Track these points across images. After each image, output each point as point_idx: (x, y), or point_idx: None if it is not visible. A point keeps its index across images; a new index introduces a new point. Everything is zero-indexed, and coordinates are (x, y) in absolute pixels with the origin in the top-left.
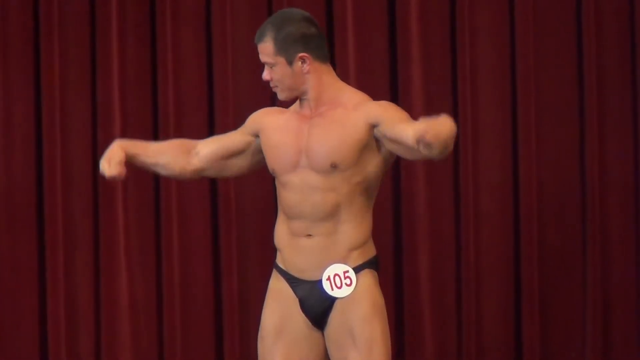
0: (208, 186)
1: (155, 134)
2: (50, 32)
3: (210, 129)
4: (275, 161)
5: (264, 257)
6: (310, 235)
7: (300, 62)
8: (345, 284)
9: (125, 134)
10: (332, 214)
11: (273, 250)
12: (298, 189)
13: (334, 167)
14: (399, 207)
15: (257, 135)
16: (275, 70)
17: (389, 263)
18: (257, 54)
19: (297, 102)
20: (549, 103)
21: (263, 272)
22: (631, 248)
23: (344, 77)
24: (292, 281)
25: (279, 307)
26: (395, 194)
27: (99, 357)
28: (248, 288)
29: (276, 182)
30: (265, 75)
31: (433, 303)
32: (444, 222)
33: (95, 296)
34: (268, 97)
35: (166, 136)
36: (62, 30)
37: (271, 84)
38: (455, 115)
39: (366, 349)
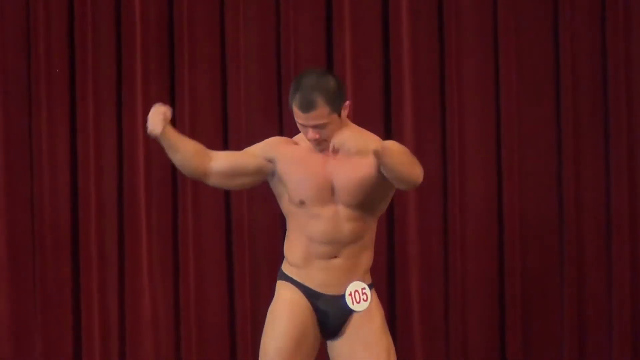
0: (223, 209)
1: (174, 168)
2: (85, 78)
3: None
4: (304, 194)
5: (274, 276)
6: (337, 257)
7: (344, 110)
8: (363, 299)
9: (148, 169)
10: (358, 240)
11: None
12: (330, 221)
13: (363, 202)
14: (392, 231)
15: (270, 161)
16: (328, 127)
17: (382, 282)
18: (266, 92)
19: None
20: (530, 137)
21: (274, 289)
22: (603, 267)
23: None
24: (311, 294)
25: (297, 318)
26: (389, 219)
27: None
28: (259, 306)
29: (298, 210)
30: (314, 135)
31: (422, 318)
32: (433, 245)
33: (120, 311)
34: (277, 134)
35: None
36: (95, 76)
37: (316, 141)
38: (443, 150)
39: (385, 356)
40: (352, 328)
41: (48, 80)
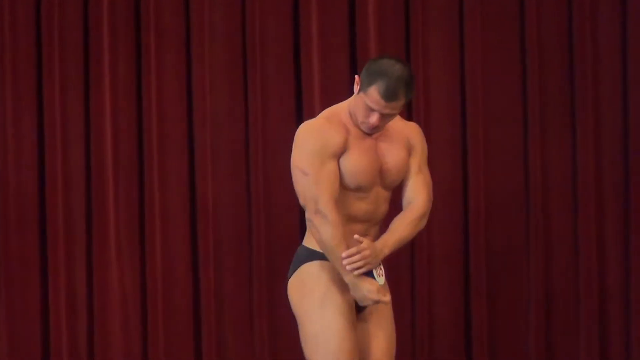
0: (187, 189)
1: (140, 143)
2: (51, 54)
3: (189, 140)
4: (363, 180)
5: (238, 252)
6: (367, 235)
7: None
8: (382, 274)
9: (115, 143)
10: (383, 220)
11: (247, 245)
12: (373, 202)
13: (397, 184)
14: None
15: (340, 155)
16: (392, 116)
17: None
18: (232, 70)
19: (341, 112)
20: (496, 114)
21: (236, 264)
22: (569, 246)
23: (308, 97)
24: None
25: (346, 294)
26: None
27: (92, 341)
28: (223, 281)
29: (346, 192)
30: (377, 121)
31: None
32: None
33: (88, 287)
34: (242, 113)
35: (150, 144)
36: (61, 52)
37: (374, 127)
38: None
39: (392, 326)
40: (374, 306)
41: (14, 55)
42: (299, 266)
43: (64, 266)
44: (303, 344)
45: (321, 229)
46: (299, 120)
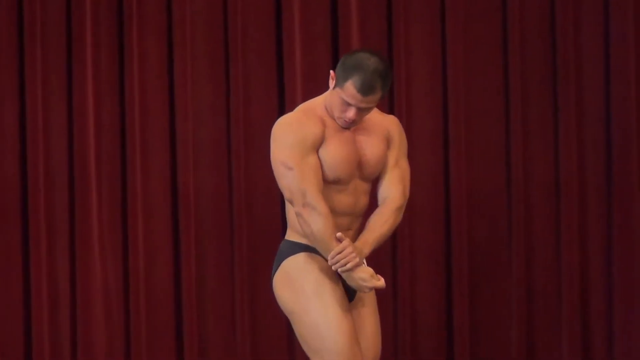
0: (170, 182)
1: (123, 136)
2: (33, 45)
3: (171, 132)
4: (341, 172)
5: (220, 244)
6: (350, 229)
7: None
8: (366, 265)
9: (98, 136)
10: (364, 213)
11: (228, 238)
12: (352, 194)
13: (375, 176)
14: None
15: (318, 146)
16: (369, 110)
17: None
18: (214, 63)
19: (317, 106)
20: (478, 109)
21: (218, 257)
22: (552, 241)
23: (290, 86)
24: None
25: (338, 282)
26: None
27: (75, 330)
28: (205, 273)
29: (325, 185)
30: (353, 115)
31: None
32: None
33: (71, 279)
34: (224, 105)
35: (132, 137)
36: (43, 46)
37: (350, 122)
38: None
39: (377, 312)
40: (365, 295)
41: None
42: (282, 262)
43: (46, 260)
44: (301, 338)
45: (311, 222)
46: (281, 112)
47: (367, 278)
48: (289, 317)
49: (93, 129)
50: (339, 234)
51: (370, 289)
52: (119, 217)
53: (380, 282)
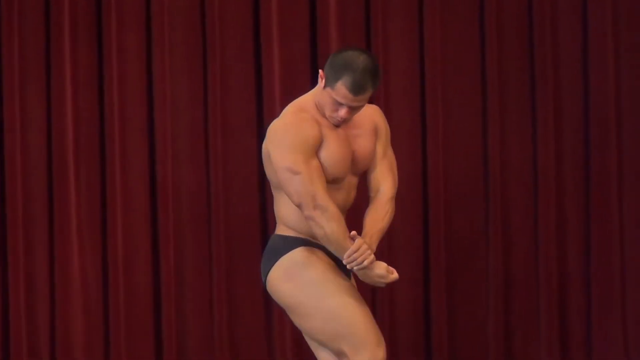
0: (148, 173)
1: (102, 127)
2: (10, 37)
3: (149, 124)
4: (339, 171)
5: (199, 236)
6: None
7: None
8: None
9: (76, 127)
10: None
11: (206, 230)
12: (345, 190)
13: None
14: None
15: (318, 148)
16: (360, 107)
17: None
18: (192, 54)
19: (307, 104)
20: (455, 104)
21: (196, 248)
22: (528, 232)
23: (268, 80)
24: (327, 252)
25: (338, 270)
26: None
27: (53, 324)
28: (183, 263)
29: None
30: (346, 114)
31: None
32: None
33: (50, 271)
34: (202, 97)
35: (111, 129)
36: (21, 37)
37: (342, 119)
38: None
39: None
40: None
41: None
42: (279, 258)
43: (23, 252)
44: (313, 329)
45: (324, 224)
46: (259, 104)
47: (385, 274)
48: (293, 312)
49: (71, 122)
50: (352, 233)
51: (386, 284)
52: (97, 210)
53: (394, 274)
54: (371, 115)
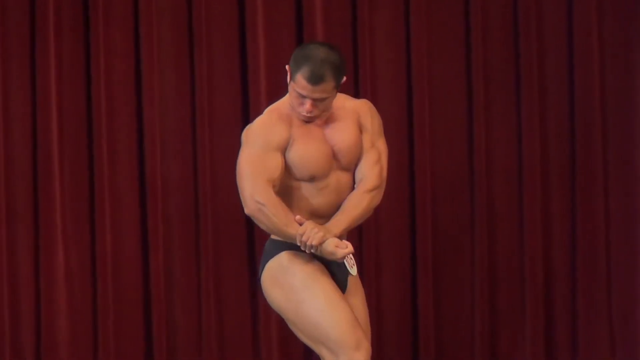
0: (137, 168)
1: (90, 124)
2: None
3: (138, 120)
4: (314, 169)
5: (187, 233)
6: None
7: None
8: (354, 264)
9: (62, 123)
10: None
11: (194, 225)
12: (334, 190)
13: (355, 164)
14: None
15: (285, 148)
16: (326, 101)
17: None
18: (179, 48)
19: (283, 105)
20: (441, 96)
21: (185, 243)
22: (514, 225)
23: (254, 75)
24: (315, 255)
25: (314, 266)
26: None
27: (38, 321)
28: (171, 258)
29: (304, 185)
30: (310, 107)
31: None
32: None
33: (35, 268)
34: (189, 91)
35: (99, 126)
36: (6, 29)
37: (310, 114)
38: None
39: (364, 296)
40: (353, 287)
41: None
42: (267, 262)
43: (6, 247)
44: (302, 334)
45: (263, 218)
46: (245, 99)
47: (333, 250)
48: (283, 316)
49: (56, 115)
50: (297, 217)
51: (342, 258)
52: (85, 206)
53: (348, 249)
54: (354, 108)
